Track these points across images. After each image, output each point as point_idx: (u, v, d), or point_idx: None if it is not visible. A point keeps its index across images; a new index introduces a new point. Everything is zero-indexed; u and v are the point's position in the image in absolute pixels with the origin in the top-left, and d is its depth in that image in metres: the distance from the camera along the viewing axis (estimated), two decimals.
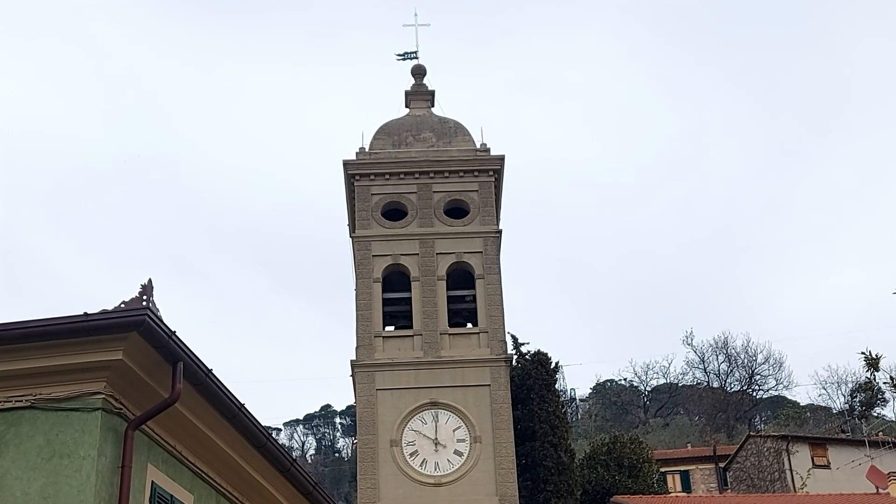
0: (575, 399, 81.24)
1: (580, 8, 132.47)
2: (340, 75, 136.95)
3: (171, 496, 10.20)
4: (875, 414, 58.76)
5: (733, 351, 74.31)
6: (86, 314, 8.91)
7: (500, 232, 30.97)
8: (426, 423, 28.27)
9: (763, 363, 73.67)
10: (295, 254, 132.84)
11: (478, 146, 32.08)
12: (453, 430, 28.21)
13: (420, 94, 34.19)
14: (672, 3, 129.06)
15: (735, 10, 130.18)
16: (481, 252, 30.40)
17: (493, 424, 28.13)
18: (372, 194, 31.04)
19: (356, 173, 31.17)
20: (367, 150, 31.93)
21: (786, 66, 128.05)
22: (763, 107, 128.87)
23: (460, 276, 30.47)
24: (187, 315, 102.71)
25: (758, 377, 74.23)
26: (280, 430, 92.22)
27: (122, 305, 9.15)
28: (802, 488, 39.54)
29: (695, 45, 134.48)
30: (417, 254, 30.30)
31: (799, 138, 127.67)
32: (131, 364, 9.17)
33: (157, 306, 9.34)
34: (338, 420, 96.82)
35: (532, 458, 30.23)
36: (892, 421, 54.79)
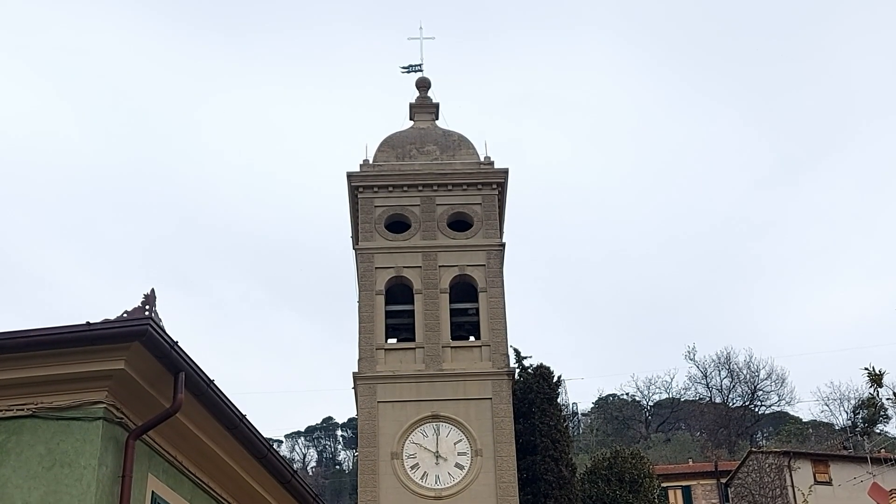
0: (577, 413, 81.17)
1: (582, 24, 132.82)
2: (345, 88, 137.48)
3: None
4: (878, 430, 58.58)
5: (735, 366, 74.30)
6: (88, 323, 8.90)
7: (503, 245, 30.93)
8: (427, 436, 28.19)
9: (765, 379, 73.65)
10: (298, 266, 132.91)
11: (481, 159, 32.08)
12: (454, 444, 28.13)
13: (424, 107, 34.21)
14: (673, 20, 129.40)
15: (737, 27, 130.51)
16: (484, 265, 30.34)
17: (495, 438, 28.05)
18: (375, 206, 31.02)
19: (360, 185, 31.16)
20: (370, 162, 31.92)
21: (787, 83, 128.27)
22: (766, 123, 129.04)
23: (463, 289, 30.43)
24: (189, 326, 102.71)
25: (760, 393, 74.19)
26: (281, 441, 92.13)
27: (125, 315, 9.13)
28: None
29: (696, 62, 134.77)
30: (420, 266, 30.26)
31: (801, 155, 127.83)
32: (133, 374, 9.16)
33: (160, 316, 9.34)
34: (339, 432, 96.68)
35: (533, 472, 30.11)
36: (895, 438, 54.56)
